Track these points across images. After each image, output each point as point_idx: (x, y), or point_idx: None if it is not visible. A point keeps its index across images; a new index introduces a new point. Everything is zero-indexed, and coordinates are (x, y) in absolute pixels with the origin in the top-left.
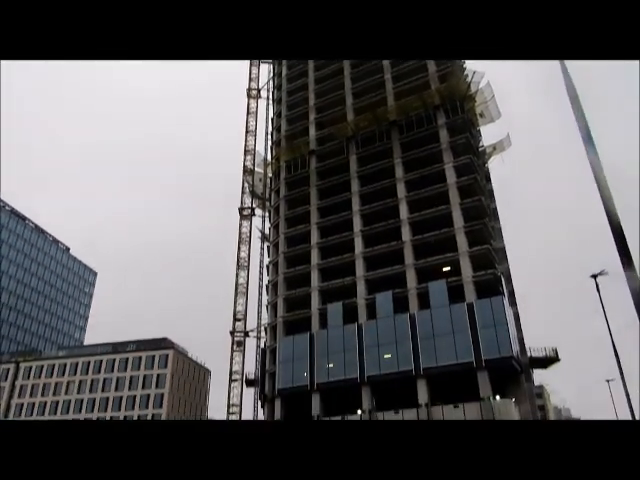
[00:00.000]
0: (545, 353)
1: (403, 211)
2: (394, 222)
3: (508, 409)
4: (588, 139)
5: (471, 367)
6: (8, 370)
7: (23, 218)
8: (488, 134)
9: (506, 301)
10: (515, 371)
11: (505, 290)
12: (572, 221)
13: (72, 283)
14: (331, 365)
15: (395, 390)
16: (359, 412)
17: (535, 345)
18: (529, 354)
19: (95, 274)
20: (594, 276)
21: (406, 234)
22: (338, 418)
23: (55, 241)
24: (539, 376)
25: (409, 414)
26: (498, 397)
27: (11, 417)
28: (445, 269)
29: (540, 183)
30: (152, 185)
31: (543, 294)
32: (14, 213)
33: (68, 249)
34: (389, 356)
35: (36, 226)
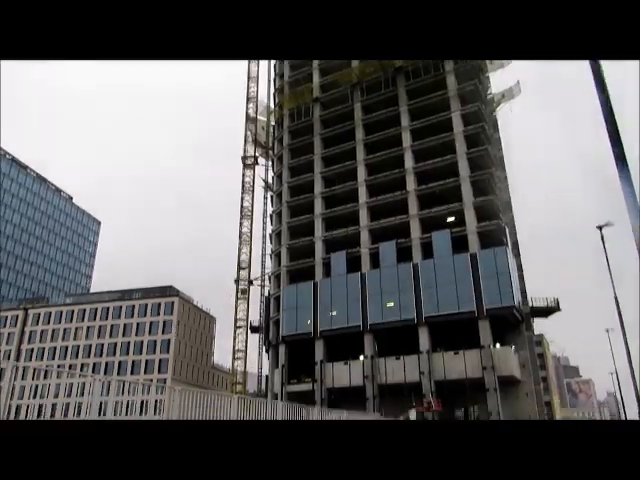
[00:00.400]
0: (546, 303)
1: (408, 160)
2: (399, 172)
3: (507, 356)
4: (622, 160)
5: (472, 316)
6: (17, 316)
7: (24, 167)
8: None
9: (509, 251)
10: (516, 320)
11: (509, 240)
12: (579, 174)
13: (76, 232)
14: (334, 313)
15: (397, 337)
16: (361, 358)
17: (537, 295)
18: (530, 304)
19: (99, 223)
20: (599, 227)
21: (411, 184)
22: (341, 363)
23: (57, 190)
24: (539, 325)
25: (410, 360)
26: (498, 345)
27: (22, 362)
28: (449, 219)
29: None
30: (153, 134)
31: (547, 245)
32: (15, 162)
33: (71, 198)
34: (392, 305)
35: (38, 175)
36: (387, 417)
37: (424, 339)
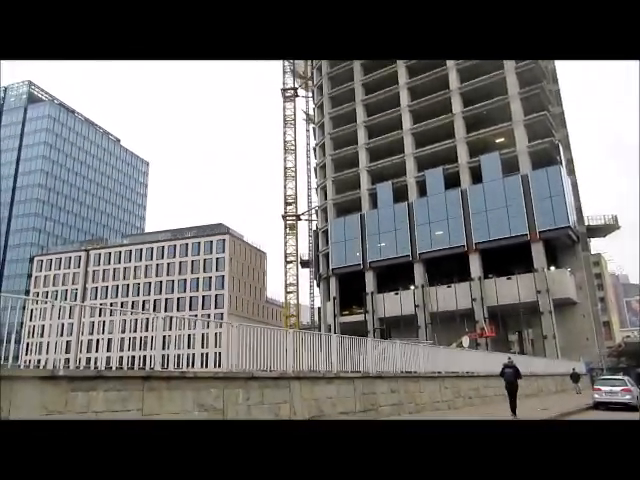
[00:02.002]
0: (604, 221)
1: (453, 81)
2: (444, 94)
3: (563, 278)
4: None
5: (525, 239)
6: (79, 257)
7: (72, 111)
8: None
9: (563, 170)
10: (571, 241)
11: (563, 158)
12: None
13: (127, 174)
14: (383, 244)
15: (447, 265)
16: (412, 287)
17: (594, 214)
18: (587, 223)
19: (147, 164)
20: None
21: (457, 106)
22: (392, 293)
23: (105, 133)
24: (597, 244)
25: (462, 287)
26: (553, 268)
27: (88, 300)
28: (498, 141)
29: None
30: (194, 74)
31: (605, 159)
32: (63, 106)
33: (119, 140)
34: (440, 233)
35: (86, 119)
36: (440, 344)
37: (475, 266)
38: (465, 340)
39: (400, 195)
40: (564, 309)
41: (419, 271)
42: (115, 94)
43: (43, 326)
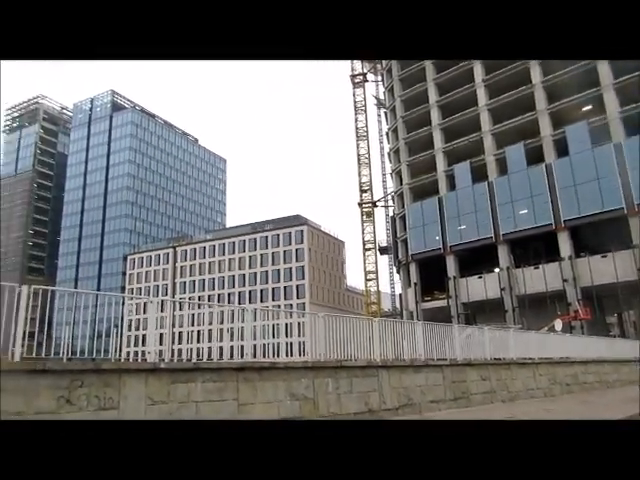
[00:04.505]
0: None
1: None
2: (521, 64)
3: None
4: None
5: (621, 213)
6: (168, 254)
7: (152, 115)
8: None
9: None
10: None
11: None
12: None
13: (206, 172)
14: (463, 227)
15: (534, 245)
16: (497, 270)
17: None
18: None
19: (224, 161)
20: None
21: (536, 76)
22: (475, 277)
23: (184, 134)
24: None
25: (551, 268)
26: None
27: (177, 295)
28: (585, 109)
29: None
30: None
31: None
32: (144, 112)
33: (197, 140)
34: (525, 212)
35: (165, 121)
36: (529, 328)
37: (565, 244)
38: (557, 324)
39: (479, 175)
40: None
41: (503, 253)
42: (185, 94)
43: (139, 320)
